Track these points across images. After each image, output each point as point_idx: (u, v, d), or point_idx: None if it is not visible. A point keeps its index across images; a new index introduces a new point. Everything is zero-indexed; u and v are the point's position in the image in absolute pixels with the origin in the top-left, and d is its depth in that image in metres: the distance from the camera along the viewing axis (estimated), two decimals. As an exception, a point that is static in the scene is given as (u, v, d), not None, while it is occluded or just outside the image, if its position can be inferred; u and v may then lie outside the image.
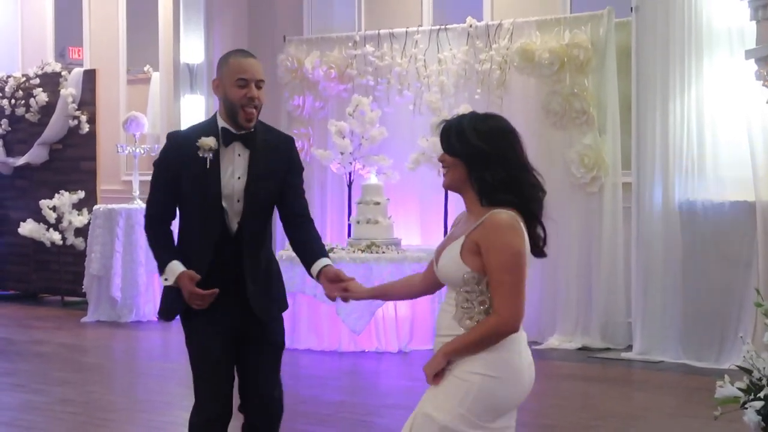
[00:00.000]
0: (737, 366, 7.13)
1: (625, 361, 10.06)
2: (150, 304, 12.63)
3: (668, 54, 10.04)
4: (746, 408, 6.70)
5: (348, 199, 11.65)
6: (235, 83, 4.77)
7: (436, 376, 3.91)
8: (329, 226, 12.17)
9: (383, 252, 10.49)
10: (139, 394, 8.97)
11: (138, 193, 12.94)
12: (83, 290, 13.06)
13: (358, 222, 10.98)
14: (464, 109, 9.98)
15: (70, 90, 14.11)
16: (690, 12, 9.93)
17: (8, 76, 14.96)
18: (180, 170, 4.81)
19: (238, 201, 4.83)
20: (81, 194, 13.80)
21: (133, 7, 14.84)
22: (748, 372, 6.83)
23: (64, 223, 13.80)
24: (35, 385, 9.01)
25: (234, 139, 4.83)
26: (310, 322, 10.68)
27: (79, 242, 13.72)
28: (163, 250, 4.86)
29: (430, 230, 11.69)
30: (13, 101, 14.76)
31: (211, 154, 4.78)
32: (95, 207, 13.13)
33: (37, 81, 14.56)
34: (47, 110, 14.37)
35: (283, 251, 10.79)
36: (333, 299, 4.64)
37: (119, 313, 12.62)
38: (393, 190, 11.34)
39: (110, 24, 14.86)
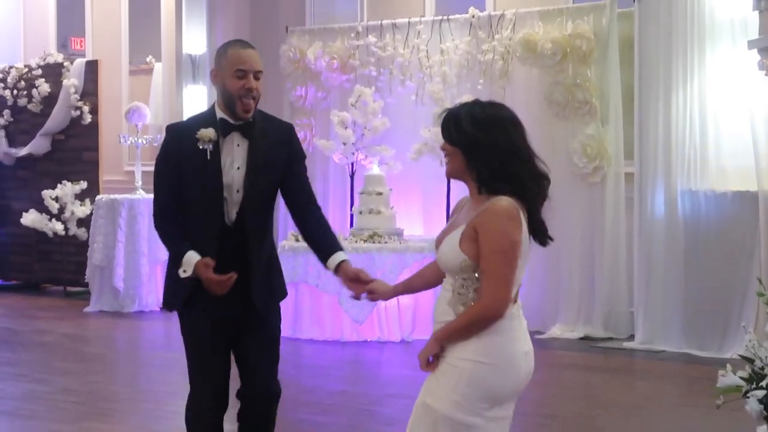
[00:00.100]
0: (739, 355, 7.14)
1: (627, 351, 10.07)
2: (152, 294, 12.64)
3: (671, 44, 10.04)
4: (748, 397, 6.71)
5: (350, 189, 11.66)
6: (234, 74, 4.77)
7: (431, 363, 3.91)
8: (331, 217, 12.17)
9: (386, 242, 10.50)
10: (141, 384, 8.98)
11: (140, 183, 12.95)
12: (86, 280, 13.06)
13: (360, 212, 10.98)
14: (467, 99, 9.97)
15: (72, 80, 14.11)
16: (692, 2, 9.93)
17: (10, 67, 14.96)
18: (181, 162, 4.81)
19: (238, 191, 4.83)
20: (83, 185, 13.80)
21: (135, -3, 14.85)
22: (750, 361, 6.83)
23: (67, 214, 13.81)
24: (38, 375, 9.02)
25: (232, 129, 4.83)
26: (312, 312, 10.69)
27: (81, 232, 13.73)
28: (176, 244, 4.84)
29: (432, 220, 11.70)
30: (15, 92, 14.77)
31: (211, 146, 4.78)
32: (98, 197, 13.14)
33: (40, 72, 14.56)
34: (49, 101, 14.38)
35: (285, 242, 10.82)
36: (358, 298, 4.62)
37: (122, 303, 12.64)
38: (395, 180, 11.34)
39: (112, 14, 14.85)
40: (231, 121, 4.83)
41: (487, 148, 3.85)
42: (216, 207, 4.81)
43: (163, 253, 5.09)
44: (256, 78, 4.80)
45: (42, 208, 13.98)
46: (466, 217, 3.91)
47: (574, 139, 10.78)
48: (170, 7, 13.67)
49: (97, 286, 12.80)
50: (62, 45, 15.76)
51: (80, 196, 13.83)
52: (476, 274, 3.85)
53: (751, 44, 8.97)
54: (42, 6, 15.69)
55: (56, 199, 13.82)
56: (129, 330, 11.68)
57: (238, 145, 4.84)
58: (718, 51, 9.88)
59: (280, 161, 4.90)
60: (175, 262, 4.83)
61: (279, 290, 5.07)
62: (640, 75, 10.27)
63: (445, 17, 11.74)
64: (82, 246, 13.45)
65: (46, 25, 15.59)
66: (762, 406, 6.64)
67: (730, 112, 9.84)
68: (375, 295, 4.52)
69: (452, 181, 10.18)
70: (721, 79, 9.86)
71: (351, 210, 11.37)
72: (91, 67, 14.16)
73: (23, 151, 14.59)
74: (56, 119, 14.28)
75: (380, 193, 10.98)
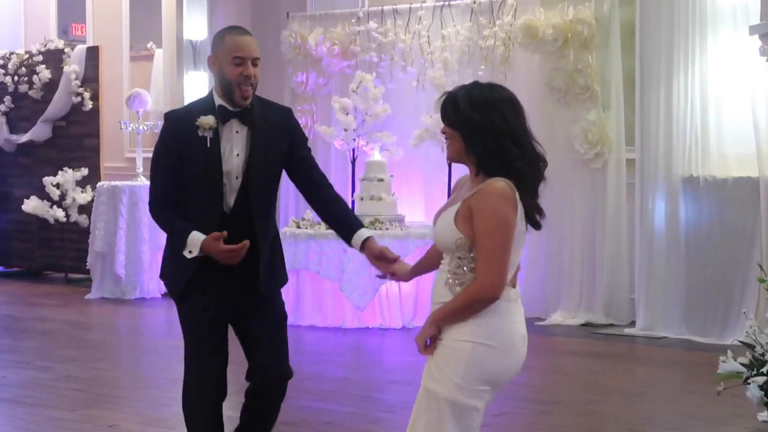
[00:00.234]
0: (740, 341, 7.15)
1: (628, 337, 10.08)
2: (154, 281, 12.64)
3: (672, 30, 10.03)
4: (749, 383, 6.72)
5: (352, 175, 11.65)
6: (232, 61, 4.75)
7: (429, 346, 3.91)
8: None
9: (387, 228, 10.50)
10: (143, 370, 8.99)
11: (141, 170, 12.94)
12: (87, 267, 13.07)
13: (361, 199, 10.98)
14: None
15: (73, 67, 14.11)
16: (694, -13, 9.92)
17: (11, 53, 14.95)
18: (180, 150, 4.80)
19: (237, 178, 4.82)
20: (84, 171, 13.80)
21: (135, -17, 14.82)
22: (751, 347, 6.85)
23: (68, 201, 13.81)
24: (40, 362, 9.03)
25: (231, 116, 4.81)
26: (313, 298, 10.70)
27: (82, 219, 13.74)
28: (178, 226, 4.82)
29: (433, 207, 11.68)
30: (16, 78, 14.76)
31: (211, 133, 4.77)
32: (99, 184, 13.13)
33: (40, 58, 14.56)
34: (50, 87, 14.37)
35: (287, 228, 10.82)
36: (384, 277, 4.63)
37: (123, 290, 12.64)
38: (396, 166, 11.33)
39: (113, 0, 14.81)
40: (229, 107, 4.81)
41: (485, 129, 3.85)
42: (216, 194, 4.80)
43: (164, 240, 5.06)
44: (254, 65, 4.79)
45: (43, 195, 13.99)
46: (463, 196, 3.91)
47: (575, 125, 10.77)
48: (171, -7, 13.65)
49: (98, 273, 12.80)
50: (63, 31, 15.73)
51: (81, 183, 13.84)
52: (472, 254, 3.85)
53: (753, 30, 8.96)
54: (42, -8, 15.67)
55: (57, 185, 13.82)
56: (130, 317, 11.69)
57: (237, 132, 4.83)
58: (720, 37, 9.87)
59: (281, 146, 4.89)
60: (179, 245, 4.79)
61: (282, 276, 5.06)
62: (641, 61, 10.26)
63: (447, 3, 11.72)
64: (84, 233, 13.45)
65: (47, 11, 15.56)
66: (762, 392, 6.65)
67: (731, 97, 9.83)
68: (396, 277, 4.56)
69: (453, 167, 10.18)
70: (723, 65, 9.85)
71: (352, 196, 11.37)
72: (92, 54, 14.15)
73: (24, 138, 14.60)
74: (57, 106, 14.28)
75: (381, 180, 10.98)
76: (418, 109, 11.51)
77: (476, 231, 3.80)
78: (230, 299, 4.88)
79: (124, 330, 11.25)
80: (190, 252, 4.75)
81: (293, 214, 12.04)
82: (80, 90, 14.08)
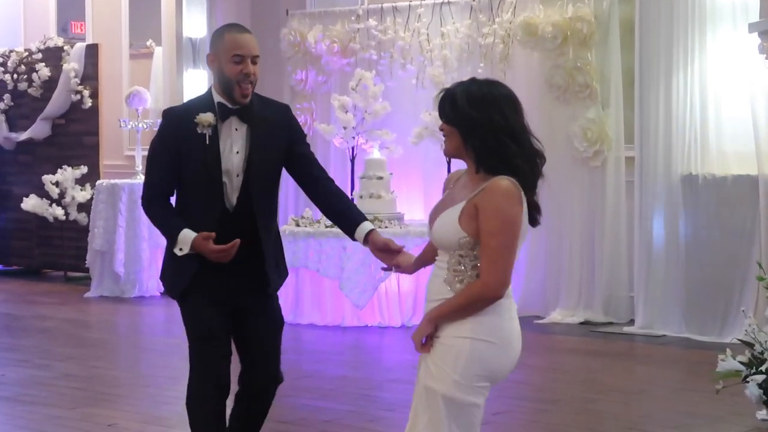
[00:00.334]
0: (739, 340, 7.16)
1: (627, 336, 10.08)
2: (153, 279, 12.64)
3: (672, 27, 10.02)
4: (748, 382, 6.73)
5: (351, 173, 11.64)
6: (231, 59, 4.76)
7: (425, 344, 3.90)
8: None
9: (386, 227, 10.50)
10: (142, 369, 8.99)
11: (141, 168, 12.93)
12: (86, 265, 13.06)
13: (361, 197, 10.97)
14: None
15: (72, 65, 14.10)
16: (693, -15, 9.91)
17: (11, 51, 14.95)
18: (179, 147, 4.80)
19: (238, 176, 4.83)
20: (84, 169, 13.80)
21: (135, -19, 14.81)
22: (750, 346, 6.86)
23: (67, 199, 13.81)
24: (39, 360, 9.03)
25: (230, 113, 4.82)
26: (313, 296, 10.70)
27: (82, 217, 13.74)
28: (169, 223, 4.84)
29: (433, 204, 11.61)
30: (15, 76, 14.76)
31: (210, 130, 4.77)
32: (98, 182, 13.13)
33: (40, 56, 14.55)
34: (50, 85, 14.37)
35: (286, 226, 10.81)
36: (389, 270, 4.63)
37: (122, 288, 12.64)
38: (396, 164, 11.32)
39: (112, -2, 14.82)
40: (229, 105, 4.82)
41: (483, 126, 3.84)
42: (216, 192, 4.81)
43: (163, 238, 5.06)
44: (254, 62, 4.79)
45: (42, 193, 13.98)
46: (464, 194, 3.90)
47: (574, 123, 10.76)
48: (170, -10, 13.64)
49: (97, 272, 12.80)
50: (62, 29, 15.73)
51: (81, 181, 13.84)
52: (474, 252, 3.85)
53: (752, 27, 8.95)
54: (42, -10, 15.66)
55: (57, 184, 13.82)
56: (130, 315, 11.68)
57: (237, 129, 4.83)
58: (719, 34, 9.87)
59: (280, 144, 4.90)
60: (170, 242, 4.82)
61: (285, 270, 5.09)
62: (640, 58, 10.26)
63: (446, 0, 11.71)
64: (83, 231, 13.45)
65: (47, 9, 15.55)
66: (761, 391, 6.66)
67: (730, 95, 9.83)
68: (400, 269, 4.55)
69: (452, 164, 10.17)
70: (722, 63, 9.85)
71: (351, 194, 11.36)
72: (92, 51, 14.15)
73: (23, 136, 14.59)
74: (56, 103, 14.28)
75: (381, 178, 10.97)
76: (417, 107, 11.49)
77: (481, 229, 3.80)
78: (232, 297, 4.87)
79: (123, 328, 11.25)
80: (180, 249, 4.76)
81: (292, 212, 12.03)
82: (80, 88, 14.08)
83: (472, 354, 3.84)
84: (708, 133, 9.90)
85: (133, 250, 12.62)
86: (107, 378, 8.46)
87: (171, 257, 4.86)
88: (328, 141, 11.91)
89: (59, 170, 13.86)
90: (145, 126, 13.11)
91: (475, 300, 3.83)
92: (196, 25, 13.16)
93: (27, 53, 14.74)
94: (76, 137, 14.20)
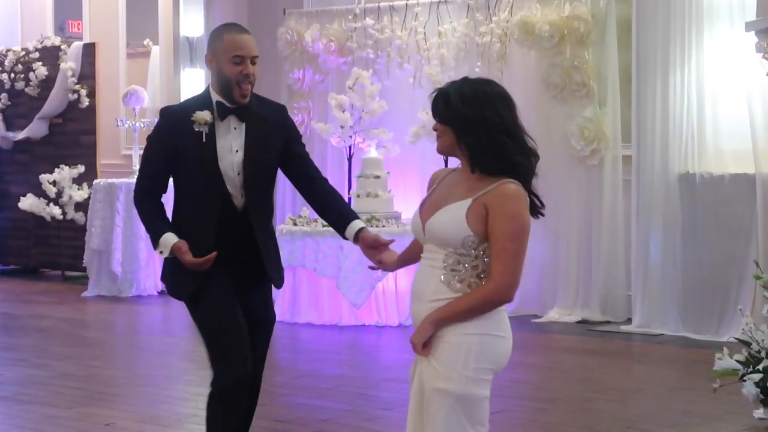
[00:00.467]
0: (736, 338, 7.17)
1: (624, 334, 10.08)
2: (150, 278, 12.64)
3: (669, 26, 10.02)
4: (745, 380, 6.74)
5: (348, 172, 11.63)
6: (231, 60, 4.78)
7: (425, 346, 3.88)
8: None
9: (383, 226, 10.49)
10: (140, 368, 8.99)
11: (138, 167, 12.90)
12: (83, 265, 13.06)
13: (358, 196, 10.97)
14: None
15: (69, 64, 14.09)
16: (690, -16, 9.92)
17: (8, 50, 14.93)
18: (175, 145, 4.82)
19: (239, 174, 4.85)
20: (81, 168, 13.79)
21: (132, -20, 14.80)
22: (747, 344, 6.86)
23: (65, 198, 13.80)
24: (36, 360, 9.03)
25: (229, 112, 4.85)
26: (310, 296, 10.70)
27: (79, 217, 13.73)
28: (155, 224, 4.88)
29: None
30: (12, 75, 14.74)
31: (206, 128, 4.79)
32: (95, 181, 13.12)
33: (37, 55, 14.53)
34: (47, 84, 14.36)
35: (283, 225, 10.82)
36: (376, 268, 4.64)
37: (120, 287, 12.63)
38: (393, 163, 11.32)
39: (109, -2, 14.81)
40: (227, 104, 4.85)
41: (477, 124, 3.84)
42: (215, 191, 4.83)
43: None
44: (253, 63, 4.83)
45: (40, 193, 13.97)
46: (460, 192, 3.89)
47: (571, 122, 10.76)
48: (167, -10, 13.62)
49: (95, 271, 12.78)
50: (59, 28, 15.72)
51: (78, 180, 13.82)
52: (476, 252, 3.84)
53: (749, 26, 8.95)
54: (39, -11, 15.64)
55: (54, 183, 13.81)
56: (127, 314, 11.68)
57: (235, 128, 4.87)
58: (716, 33, 9.87)
59: (277, 143, 4.93)
60: (152, 242, 4.86)
61: (281, 265, 5.13)
62: (637, 57, 10.26)
63: None
64: (80, 230, 13.44)
65: (44, 8, 15.54)
66: (758, 389, 6.67)
67: (727, 94, 9.83)
68: (382, 265, 4.56)
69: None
70: (719, 61, 9.85)
71: (349, 193, 11.36)
72: (89, 50, 14.14)
73: (21, 135, 14.58)
74: (53, 103, 14.27)
75: (378, 177, 10.97)
76: (414, 106, 11.49)
77: (496, 232, 3.79)
78: (238, 293, 4.90)
79: (120, 327, 11.24)
80: (161, 252, 4.81)
81: (290, 211, 12.03)
82: (77, 87, 14.07)
83: (481, 348, 3.84)
84: (705, 131, 9.90)
85: (131, 250, 12.61)
86: (104, 377, 8.46)
87: (174, 259, 4.86)
88: (326, 140, 11.92)
89: (56, 169, 13.85)
90: (142, 125, 13.09)
91: (486, 302, 3.83)
92: (194, 25, 13.15)
93: (24, 52, 14.72)
94: (74, 136, 14.19)
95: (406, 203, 11.55)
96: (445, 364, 3.85)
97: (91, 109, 14.02)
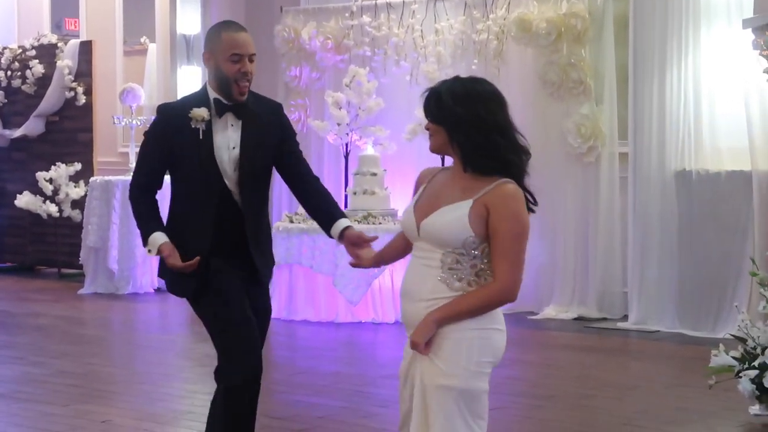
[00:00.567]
0: (732, 335, 7.18)
1: (621, 331, 10.09)
2: (147, 276, 12.64)
3: (666, 23, 10.03)
4: (740, 377, 6.75)
5: (345, 170, 11.64)
6: (229, 58, 4.81)
7: (426, 345, 3.88)
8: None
9: (380, 223, 10.50)
10: (137, 365, 8.99)
11: (134, 165, 12.91)
12: (80, 262, 13.05)
13: (354, 193, 10.98)
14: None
15: (66, 62, 14.08)
16: (687, -19, 9.92)
17: (4, 48, 14.93)
18: (172, 142, 4.85)
19: (235, 171, 4.86)
20: (78, 166, 13.79)
21: (128, -22, 14.80)
22: (743, 341, 6.87)
23: (61, 195, 13.79)
24: (34, 357, 9.03)
25: (226, 109, 4.87)
26: (306, 293, 10.70)
27: (75, 214, 13.73)
28: (147, 221, 4.91)
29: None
30: (9, 73, 14.74)
31: (203, 125, 4.81)
32: (92, 179, 13.12)
33: (33, 53, 14.53)
34: (43, 82, 14.35)
35: (280, 223, 10.82)
36: (356, 266, 4.64)
37: (116, 285, 12.62)
38: (390, 161, 11.32)
39: (106, -5, 14.80)
40: (224, 101, 4.87)
41: (469, 122, 3.85)
42: (212, 188, 4.85)
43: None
44: (251, 60, 4.85)
45: (36, 190, 13.97)
46: (456, 192, 3.89)
47: (568, 119, 10.77)
48: (164, -13, 13.63)
49: (91, 268, 12.78)
50: (56, 26, 15.71)
51: (74, 178, 13.82)
52: (475, 251, 3.85)
53: (746, 23, 8.95)
54: (35, -13, 15.64)
55: (50, 180, 13.81)
56: (124, 312, 11.68)
57: (232, 125, 4.89)
58: (713, 30, 9.88)
59: (272, 140, 4.95)
60: (142, 239, 4.89)
61: (272, 260, 5.14)
62: (634, 54, 10.27)
63: (440, -3, 11.72)
64: (77, 228, 13.44)
65: (40, 6, 15.54)
66: (754, 386, 6.68)
67: (724, 91, 9.83)
68: (359, 260, 4.56)
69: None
70: (716, 59, 9.86)
71: (345, 191, 11.37)
72: (85, 48, 14.13)
73: (17, 133, 14.57)
74: (50, 100, 14.26)
75: (374, 174, 10.97)
76: (411, 104, 11.49)
77: (499, 233, 3.81)
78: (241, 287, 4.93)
79: (117, 325, 11.25)
80: (149, 251, 4.84)
81: (286, 208, 12.02)
82: (73, 85, 14.06)
83: (482, 342, 3.86)
84: (702, 128, 9.91)
85: (127, 247, 12.61)
86: (102, 375, 8.46)
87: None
88: (322, 137, 11.92)
89: (53, 167, 13.85)
90: (138, 123, 13.09)
91: (491, 302, 3.86)
92: (190, 22, 13.15)
93: (21, 50, 14.72)
94: (70, 134, 14.18)
95: (403, 200, 11.50)
96: (448, 361, 3.86)
97: (88, 107, 14.01)
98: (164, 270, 5.00)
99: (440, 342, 3.88)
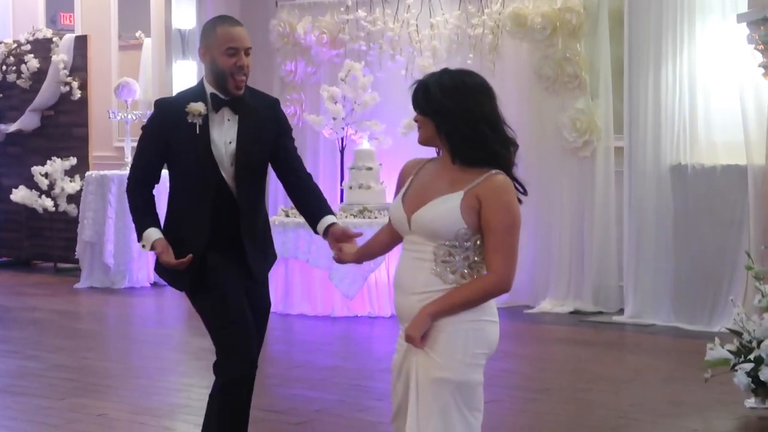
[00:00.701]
0: (728, 329, 7.19)
1: (617, 325, 10.11)
2: (143, 270, 12.64)
3: (661, 18, 10.04)
4: (736, 370, 6.76)
5: (340, 164, 11.65)
6: (225, 52, 4.82)
7: (422, 339, 3.88)
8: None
9: (375, 217, 10.50)
10: (133, 360, 8.99)
11: (130, 159, 12.90)
12: (76, 257, 13.05)
13: (350, 187, 10.98)
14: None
15: (61, 56, 14.07)
16: (682, -25, 9.93)
17: (-1, 43, 14.93)
18: (169, 137, 4.85)
19: (231, 165, 4.87)
20: (73, 161, 13.78)
21: (124, -28, 14.78)
22: (739, 335, 6.89)
23: (57, 190, 13.79)
24: (29, 352, 9.02)
25: (223, 104, 4.87)
26: (302, 287, 10.70)
27: (71, 209, 13.72)
28: (143, 216, 4.93)
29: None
30: (4, 68, 14.73)
31: (200, 120, 4.82)
32: (87, 173, 13.11)
33: (29, 47, 14.51)
34: (38, 76, 14.34)
35: (276, 217, 10.81)
36: (340, 261, 4.63)
37: (112, 279, 12.62)
38: (385, 155, 11.31)
39: (101, -10, 14.79)
40: (221, 96, 4.87)
41: (457, 114, 3.85)
42: (209, 182, 4.85)
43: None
44: (247, 54, 4.86)
45: (32, 185, 13.96)
46: (445, 184, 3.90)
47: (563, 114, 10.77)
48: (159, -18, 13.62)
49: (87, 263, 12.77)
50: (51, 20, 15.70)
51: (70, 173, 13.81)
52: (467, 243, 3.86)
53: (740, 18, 8.96)
54: (30, -19, 15.62)
55: (46, 175, 13.80)
56: (120, 306, 11.67)
57: (229, 120, 4.90)
58: (708, 25, 9.89)
59: (269, 135, 4.96)
60: (137, 234, 4.92)
61: (272, 256, 5.16)
62: (629, 49, 10.27)
63: (435, -9, 11.71)
64: (72, 222, 13.44)
65: (35, 1, 15.52)
66: (750, 379, 6.70)
67: (719, 85, 9.85)
68: (342, 254, 4.55)
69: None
70: (711, 53, 9.87)
71: (341, 185, 11.37)
72: (81, 43, 14.12)
73: (12, 128, 14.56)
74: (45, 95, 14.25)
75: (370, 168, 10.98)
76: (406, 98, 11.15)
77: (492, 224, 3.81)
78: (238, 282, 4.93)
79: (113, 319, 11.24)
80: (143, 246, 4.86)
81: (282, 203, 12.02)
82: (68, 79, 14.05)
83: (477, 334, 3.87)
84: (697, 123, 9.93)
85: (123, 241, 12.60)
86: (97, 369, 8.46)
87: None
88: (318, 132, 11.92)
89: (48, 161, 13.84)
90: (134, 117, 13.08)
91: (487, 293, 3.87)
92: (186, 17, 13.14)
93: (16, 45, 14.70)
94: (66, 128, 14.18)
95: (399, 195, 11.55)
96: (445, 354, 3.86)
97: (83, 102, 14.00)
98: (160, 266, 5.01)
99: (435, 335, 3.88)
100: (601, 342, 9.45)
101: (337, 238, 4.69)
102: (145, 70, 14.16)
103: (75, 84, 13.99)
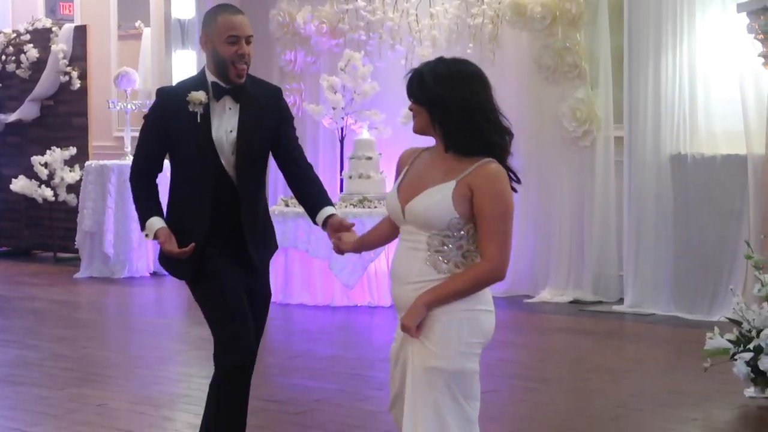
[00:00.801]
0: (727, 318, 7.20)
1: (616, 314, 10.11)
2: (143, 260, 12.64)
3: (661, 7, 10.03)
4: (736, 359, 6.77)
5: (340, 154, 11.64)
6: (226, 41, 4.81)
7: (417, 328, 3.89)
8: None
9: (375, 207, 10.50)
10: (133, 349, 8.99)
11: (129, 149, 12.92)
12: (75, 246, 13.06)
13: (350, 177, 10.97)
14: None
15: (61, 46, 14.06)
16: (682, -35, 9.91)
17: (-1, 32, 14.91)
18: (170, 126, 4.85)
19: (232, 154, 4.87)
20: (73, 150, 13.77)
21: (123, -38, 14.77)
22: (738, 324, 6.90)
23: (56, 180, 13.79)
24: (29, 341, 9.03)
25: (224, 93, 4.87)
26: (302, 277, 10.71)
27: (71, 198, 13.72)
28: (146, 205, 4.93)
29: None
30: (3, 57, 14.72)
31: (201, 109, 4.82)
32: (87, 163, 13.11)
33: (28, 37, 14.50)
34: (38, 66, 14.33)
35: (275, 207, 10.81)
36: (340, 252, 4.64)
37: (112, 269, 12.62)
38: (385, 144, 11.31)
39: (101, -21, 14.77)
40: (223, 84, 4.87)
41: (452, 103, 3.85)
42: (209, 171, 4.85)
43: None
44: (248, 42, 4.86)
45: (31, 175, 13.96)
46: (440, 173, 3.90)
47: (563, 103, 10.76)
48: (158, -29, 13.60)
49: (87, 252, 12.78)
50: (51, 10, 15.69)
51: (69, 162, 13.81)
52: (461, 232, 3.86)
53: (740, 7, 8.95)
54: (29, -29, 15.60)
55: (45, 165, 13.79)
56: (119, 296, 11.68)
57: (230, 109, 4.89)
58: (708, 14, 9.87)
59: (270, 124, 4.96)
60: (140, 223, 4.92)
61: (273, 245, 5.17)
62: (629, 38, 10.26)
63: (435, -19, 11.70)
64: (72, 212, 13.44)
65: (35, -10, 15.51)
66: (749, 368, 6.71)
67: (719, 75, 9.84)
68: (340, 243, 4.55)
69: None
70: (711, 43, 9.86)
71: (341, 175, 11.37)
72: (80, 33, 14.11)
73: (12, 117, 14.56)
74: (45, 85, 14.24)
75: (370, 158, 10.97)
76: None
77: (485, 213, 3.81)
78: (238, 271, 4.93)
79: (113, 309, 11.25)
80: (146, 235, 4.87)
81: (282, 192, 12.02)
82: (68, 69, 14.04)
83: (472, 323, 3.88)
84: (697, 112, 9.92)
85: (123, 231, 12.60)
86: (97, 358, 8.46)
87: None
88: (318, 121, 11.91)
89: (48, 151, 13.84)
90: (133, 107, 13.08)
91: (481, 282, 3.87)
92: (185, 6, 13.12)
93: (15, 34, 14.69)
94: (65, 118, 14.17)
95: (399, 185, 11.55)
96: (440, 343, 3.87)
97: (83, 91, 14.00)
98: (163, 256, 5.01)
99: (431, 324, 3.89)
100: (601, 331, 9.45)
101: (335, 228, 4.69)
102: (145, 59, 14.15)
103: (74, 74, 13.98)
